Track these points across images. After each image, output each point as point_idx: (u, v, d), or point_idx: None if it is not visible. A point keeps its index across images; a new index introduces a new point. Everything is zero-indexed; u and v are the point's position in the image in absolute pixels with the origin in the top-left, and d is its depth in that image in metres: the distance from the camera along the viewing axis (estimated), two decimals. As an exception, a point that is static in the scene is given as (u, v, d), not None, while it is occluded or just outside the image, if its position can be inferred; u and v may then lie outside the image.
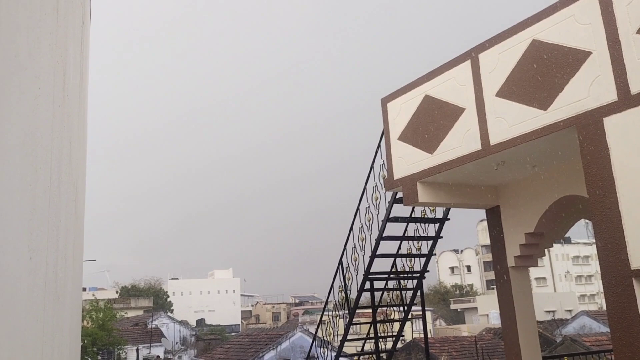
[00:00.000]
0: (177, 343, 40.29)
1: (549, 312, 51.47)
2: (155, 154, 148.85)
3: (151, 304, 58.65)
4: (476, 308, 62.64)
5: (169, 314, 51.82)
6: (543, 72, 5.24)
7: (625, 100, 4.52)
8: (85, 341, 25.85)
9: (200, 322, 65.39)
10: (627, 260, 4.39)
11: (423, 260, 8.92)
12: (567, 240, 78.46)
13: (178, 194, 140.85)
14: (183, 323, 46.94)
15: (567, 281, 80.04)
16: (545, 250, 7.76)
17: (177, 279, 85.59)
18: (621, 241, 4.45)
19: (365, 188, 8.57)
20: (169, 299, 70.81)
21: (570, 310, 53.52)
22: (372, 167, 8.45)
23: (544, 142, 5.36)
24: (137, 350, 32.02)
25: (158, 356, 31.44)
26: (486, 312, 55.10)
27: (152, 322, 39.13)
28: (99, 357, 28.41)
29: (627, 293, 4.37)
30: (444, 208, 8.48)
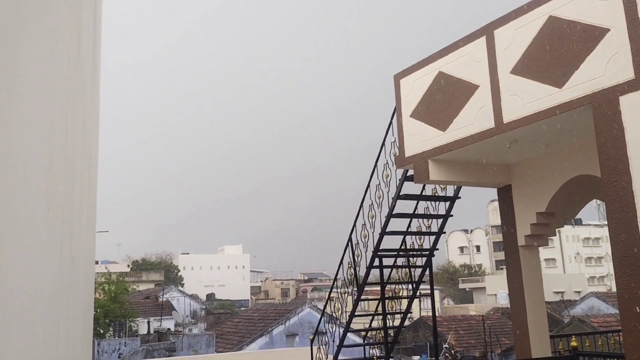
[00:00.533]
0: (187, 316, 40.88)
1: (557, 293, 51.52)
2: (173, 135, 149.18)
3: (162, 277, 59.39)
4: (484, 288, 62.85)
5: (180, 288, 52.46)
6: (559, 49, 5.16)
7: (642, 78, 4.44)
8: (98, 311, 26.30)
9: (210, 296, 66.18)
10: (639, 241, 4.36)
11: (432, 238, 8.92)
12: (578, 222, 78.10)
13: (192, 173, 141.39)
14: (193, 297, 47.54)
15: (576, 263, 79.90)
16: (556, 230, 7.73)
17: (187, 253, 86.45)
18: (633, 222, 4.42)
19: (376, 165, 8.54)
20: (179, 274, 71.64)
21: (579, 292, 53.52)
22: (383, 145, 8.41)
23: (558, 120, 5.31)
24: (148, 322, 32.54)
25: (169, 329, 31.94)
26: (494, 292, 55.26)
27: (163, 295, 39.66)
28: (111, 329, 28.91)
29: (638, 274, 4.35)
30: (455, 186, 8.45)
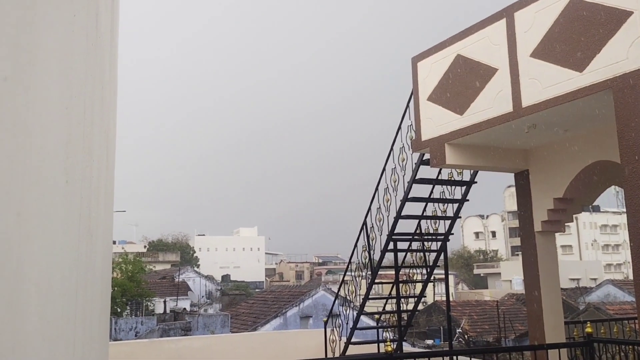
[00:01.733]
0: (202, 297, 41.36)
1: (573, 279, 51.21)
2: (191, 120, 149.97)
3: (178, 258, 60.05)
4: (499, 273, 62.66)
5: (195, 268, 53.04)
6: (580, 33, 5.07)
7: (666, 62, 4.35)
8: (115, 289, 26.72)
9: (226, 277, 66.82)
10: (658, 228, 4.31)
11: (448, 223, 8.89)
12: (596, 209, 77.26)
13: (209, 156, 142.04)
14: (209, 278, 48.05)
15: (593, 250, 79.21)
16: (573, 217, 7.66)
17: (203, 235, 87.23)
18: (653, 208, 4.36)
19: (392, 149, 8.50)
20: (195, 255, 72.37)
21: (595, 279, 53.17)
22: (399, 128, 8.36)
23: (578, 105, 5.23)
24: (165, 302, 33.01)
25: (184, 308, 32.37)
26: (509, 277, 55.10)
27: (179, 276, 40.15)
28: (128, 307, 29.38)
29: (656, 260, 4.31)
30: (472, 171, 8.39)
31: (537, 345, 6.69)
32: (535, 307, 7.39)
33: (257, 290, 52.08)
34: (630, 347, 7.04)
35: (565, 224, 7.67)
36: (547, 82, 5.32)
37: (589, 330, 5.59)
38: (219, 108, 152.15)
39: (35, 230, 1.32)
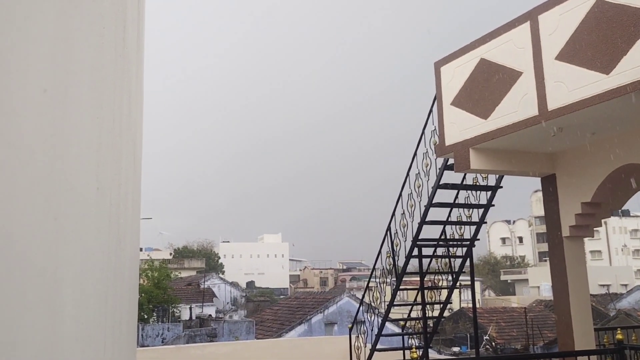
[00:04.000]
0: (228, 303, 41.59)
1: (603, 285, 50.16)
2: (215, 127, 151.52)
3: (203, 265, 60.54)
4: (527, 280, 61.71)
5: (220, 275, 53.38)
6: (606, 34, 5.00)
7: (696, 63, 4.26)
8: (142, 296, 27.03)
9: (250, 284, 67.16)
10: (691, 232, 4.21)
11: (473, 228, 8.81)
12: (626, 213, 75.57)
13: (233, 163, 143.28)
14: (234, 284, 48.32)
15: (623, 255, 77.51)
16: (602, 221, 7.53)
17: (228, 242, 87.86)
18: (685, 212, 4.27)
19: (415, 154, 8.47)
20: (220, 261, 72.90)
21: (625, 285, 52.01)
22: (423, 133, 8.33)
23: (605, 107, 5.15)
24: (190, 308, 33.27)
25: (210, 315, 32.59)
26: (537, 284, 54.17)
27: (204, 282, 40.45)
28: (154, 314, 29.69)
29: (689, 265, 4.20)
30: (497, 176, 8.31)
31: (566, 352, 6.58)
32: (564, 314, 7.26)
33: (281, 296, 52.21)
34: (663, 354, 6.87)
35: (594, 228, 7.53)
36: (573, 84, 5.25)
37: (619, 337, 5.48)
38: (242, 114, 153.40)
39: (70, 234, 1.38)
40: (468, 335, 25.05)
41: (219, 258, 74.31)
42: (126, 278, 1.61)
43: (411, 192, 8.54)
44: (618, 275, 57.06)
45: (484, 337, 23.01)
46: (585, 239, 7.46)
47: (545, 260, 53.86)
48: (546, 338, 21.84)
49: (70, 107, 1.43)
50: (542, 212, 7.76)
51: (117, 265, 1.51)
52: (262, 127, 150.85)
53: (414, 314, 9.64)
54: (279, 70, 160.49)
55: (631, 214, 76.54)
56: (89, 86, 1.46)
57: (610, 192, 7.01)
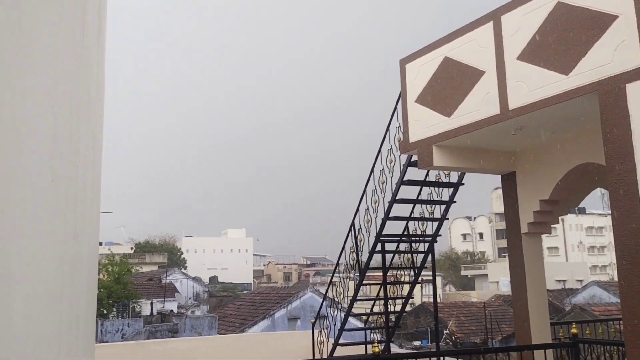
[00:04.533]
0: (190, 298, 41.17)
1: (559, 281, 51.66)
2: (179, 120, 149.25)
3: (165, 260, 59.74)
4: (486, 275, 63.05)
5: (183, 270, 52.77)
6: (567, 36, 5.12)
7: (650, 66, 4.41)
8: (101, 291, 26.49)
9: (213, 279, 66.59)
10: (642, 229, 4.36)
11: (435, 224, 8.94)
12: (582, 211, 77.99)
13: (197, 158, 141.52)
14: (196, 280, 47.83)
15: (579, 251, 79.95)
16: (559, 219, 7.73)
17: (191, 236, 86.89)
18: (637, 210, 4.42)
19: (380, 151, 8.53)
20: (182, 256, 72.05)
21: (581, 280, 53.63)
22: (387, 130, 8.40)
23: (564, 107, 5.28)
24: (152, 304, 32.79)
25: (172, 310, 32.19)
26: (496, 279, 55.44)
27: (166, 277, 39.93)
28: (114, 309, 29.16)
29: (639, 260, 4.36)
30: (459, 173, 8.44)
31: (523, 346, 6.74)
32: (522, 308, 7.44)
33: (244, 292, 51.95)
34: (615, 347, 7.11)
35: (552, 225, 7.73)
36: (533, 84, 5.37)
37: (574, 331, 5.65)
38: (206, 110, 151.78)
39: (20, 228, 1.31)
40: (429, 329, 25.46)
41: (182, 253, 73.42)
42: (84, 273, 1.57)
43: (375, 189, 8.61)
44: (574, 271, 58.84)
45: (444, 332, 23.42)
46: (543, 236, 7.65)
47: (505, 256, 55.09)
48: (504, 332, 22.36)
49: (21, 95, 1.37)
50: (502, 209, 7.93)
51: (74, 260, 1.46)
52: (228, 124, 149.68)
53: (376, 309, 9.73)
54: (245, 68, 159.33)
55: (587, 212, 79.00)
56: (44, 74, 1.40)
57: (567, 190, 7.20)
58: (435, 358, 6.43)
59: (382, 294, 9.09)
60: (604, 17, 4.79)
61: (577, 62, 4.98)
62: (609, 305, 23.29)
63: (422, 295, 29.21)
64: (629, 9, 4.59)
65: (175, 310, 32.71)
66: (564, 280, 52.79)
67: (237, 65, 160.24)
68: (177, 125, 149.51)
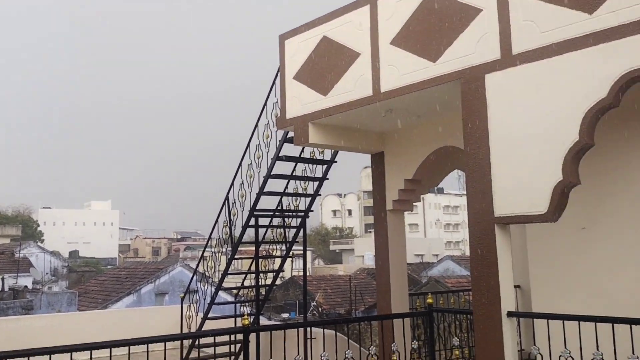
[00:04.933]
0: (47, 274, 38.46)
1: (418, 255, 55.37)
2: (40, 76, 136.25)
3: (19, 232, 55.10)
4: (353, 249, 65.88)
5: (39, 243, 49.06)
6: (435, 25, 5.42)
7: (506, 59, 4.82)
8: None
9: (74, 253, 62.71)
10: (492, 208, 4.80)
11: (308, 200, 9.14)
12: (440, 191, 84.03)
13: (54, 119, 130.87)
14: (54, 254, 44.74)
15: (437, 228, 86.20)
16: (421, 197, 8.26)
17: (49, 208, 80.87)
18: (488, 191, 4.84)
19: (256, 125, 8.51)
20: (39, 229, 66.95)
21: (437, 255, 57.87)
22: (265, 105, 8.38)
23: (431, 93, 5.61)
24: (2, 279, 30.15)
25: (26, 286, 29.87)
26: (362, 253, 58.15)
27: (19, 251, 36.88)
28: (-42, 286, 26.45)
29: (489, 237, 4.80)
30: (332, 150, 8.67)
31: (383, 315, 7.17)
32: (384, 280, 7.89)
33: (109, 267, 49.63)
34: (464, 315, 7.81)
35: (414, 203, 8.24)
36: (404, 69, 5.63)
37: (429, 301, 6.11)
38: (73, 79, 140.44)
39: None
40: (297, 302, 26.12)
41: (38, 225, 68.15)
42: None
43: (251, 163, 8.60)
44: (431, 246, 63.37)
45: (312, 304, 24.17)
46: (405, 213, 8.13)
47: (371, 232, 57.88)
48: (367, 303, 23.56)
49: None
50: (370, 187, 8.30)
51: None
52: (92, 85, 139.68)
53: (247, 283, 9.78)
54: (109, 29, 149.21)
55: (445, 192, 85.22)
56: None
57: (429, 171, 7.70)
58: (302, 328, 6.62)
59: (253, 268, 9.15)
60: (469, 9, 5.13)
61: (444, 50, 5.30)
62: (460, 278, 25.45)
63: (292, 269, 29.84)
64: (492, 3, 4.96)
65: (30, 286, 30.38)
66: (422, 255, 56.71)
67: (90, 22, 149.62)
68: (28, 83, 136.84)
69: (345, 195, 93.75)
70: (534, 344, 4.80)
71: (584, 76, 4.31)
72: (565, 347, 4.37)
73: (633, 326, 4.12)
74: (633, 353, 4.03)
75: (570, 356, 4.34)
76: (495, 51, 4.89)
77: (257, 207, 8.68)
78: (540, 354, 4.66)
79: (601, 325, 4.25)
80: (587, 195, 5.23)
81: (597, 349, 4.21)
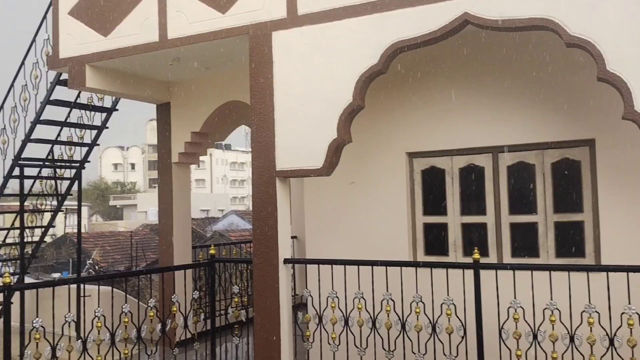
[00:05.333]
0: None
1: (204, 210, 55.49)
2: None
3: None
4: (136, 205, 63.29)
5: None
6: (227, -24, 5.34)
7: (292, 19, 4.98)
8: None
9: None
10: (274, 162, 5.01)
11: (85, 150, 8.48)
12: (228, 147, 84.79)
13: None
14: None
15: (223, 184, 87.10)
16: (208, 152, 8.25)
17: None
18: (271, 145, 5.03)
19: (23, 63, 7.60)
20: None
21: (222, 210, 58.67)
22: (34, 41, 7.49)
23: (219, 45, 5.56)
24: None
25: None
26: (145, 209, 56.24)
27: None
28: None
29: (270, 190, 5.02)
30: (114, 98, 8.14)
31: (164, 268, 7.11)
32: (167, 235, 7.80)
33: None
34: (244, 265, 8.13)
35: (200, 158, 8.22)
36: (192, 17, 5.47)
37: (212, 252, 6.21)
38: None
39: None
40: (71, 260, 24.39)
41: None
42: None
43: (15, 106, 7.69)
44: (217, 202, 63.92)
45: (88, 262, 22.81)
46: (192, 167, 8.07)
47: (155, 187, 56.21)
48: (149, 259, 23.03)
49: None
50: (155, 141, 8.02)
51: None
52: None
53: (10, 240, 8.80)
54: None
55: (232, 148, 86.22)
56: None
57: (216, 124, 7.71)
58: (75, 285, 6.23)
59: (18, 223, 8.27)
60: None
61: (234, 3, 5.27)
62: (244, 232, 26.22)
63: (65, 226, 27.64)
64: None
65: None
66: (208, 210, 56.96)
67: None
68: None
69: (128, 148, 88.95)
70: (306, 288, 5.22)
71: (359, 43, 4.67)
72: (333, 289, 4.83)
73: (388, 268, 4.73)
74: (387, 290, 4.63)
75: (336, 296, 4.83)
76: (282, 10, 5.02)
77: (22, 156, 7.81)
78: (311, 296, 5.09)
79: (363, 268, 4.79)
80: (356, 152, 5.75)
81: (359, 289, 4.75)
